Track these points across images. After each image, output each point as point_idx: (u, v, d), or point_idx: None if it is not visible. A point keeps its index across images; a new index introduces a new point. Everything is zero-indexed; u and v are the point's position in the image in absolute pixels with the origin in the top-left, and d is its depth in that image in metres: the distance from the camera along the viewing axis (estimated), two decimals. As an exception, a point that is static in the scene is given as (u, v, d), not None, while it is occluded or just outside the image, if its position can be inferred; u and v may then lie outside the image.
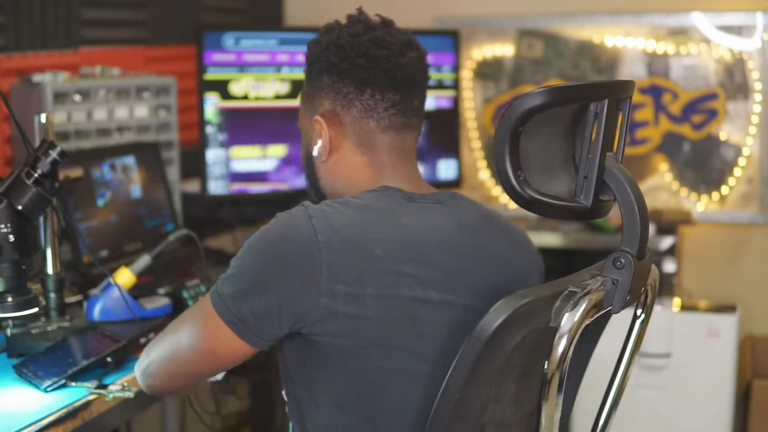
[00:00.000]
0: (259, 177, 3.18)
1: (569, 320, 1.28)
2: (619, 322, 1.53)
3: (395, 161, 1.61)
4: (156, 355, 1.61)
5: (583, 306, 1.28)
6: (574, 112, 1.33)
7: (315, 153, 1.63)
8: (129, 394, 1.81)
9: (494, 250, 1.58)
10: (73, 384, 1.82)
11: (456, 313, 1.49)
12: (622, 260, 1.33)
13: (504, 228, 1.66)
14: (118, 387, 1.82)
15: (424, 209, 1.55)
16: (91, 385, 1.81)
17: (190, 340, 1.53)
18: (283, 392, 1.62)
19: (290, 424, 1.62)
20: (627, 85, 1.38)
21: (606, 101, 1.31)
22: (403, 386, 1.47)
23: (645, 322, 1.53)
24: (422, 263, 1.48)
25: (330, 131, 1.61)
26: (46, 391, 1.79)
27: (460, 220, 1.57)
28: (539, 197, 1.29)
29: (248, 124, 3.19)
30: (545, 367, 1.28)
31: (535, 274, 1.66)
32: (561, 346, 1.27)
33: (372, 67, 1.57)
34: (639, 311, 1.52)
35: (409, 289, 1.46)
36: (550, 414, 1.30)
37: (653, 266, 1.47)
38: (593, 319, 1.31)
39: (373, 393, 1.48)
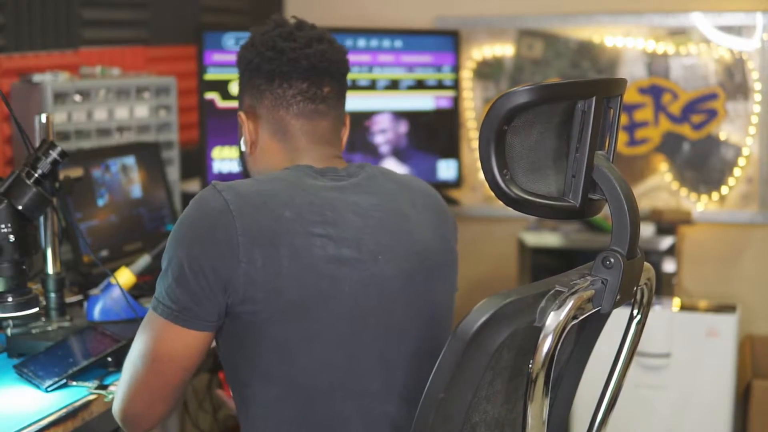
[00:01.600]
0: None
1: (554, 319, 1.26)
2: (621, 323, 1.53)
3: (309, 145, 1.67)
4: (123, 392, 1.60)
5: (569, 305, 1.27)
6: (564, 110, 1.31)
7: (243, 148, 1.72)
8: None
9: (401, 210, 1.63)
10: (74, 384, 1.82)
11: (371, 270, 1.54)
12: (612, 260, 1.32)
13: (417, 191, 1.70)
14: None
15: (333, 180, 1.61)
16: (91, 385, 1.81)
17: (145, 357, 1.55)
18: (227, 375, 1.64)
19: (237, 412, 1.64)
20: (617, 83, 1.36)
21: (593, 99, 1.30)
22: (326, 347, 1.51)
23: (641, 323, 1.52)
24: (332, 224, 1.53)
25: (250, 125, 1.70)
26: (46, 391, 1.79)
27: (370, 186, 1.63)
28: (526, 196, 1.28)
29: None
30: (530, 367, 1.27)
31: (453, 237, 1.72)
32: (546, 346, 1.26)
33: (278, 58, 1.65)
34: (635, 311, 1.51)
35: (321, 249, 1.51)
36: (536, 414, 1.28)
37: (649, 266, 1.46)
38: (580, 319, 1.30)
39: (295, 357, 1.51)
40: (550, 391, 1.28)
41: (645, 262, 1.43)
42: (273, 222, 1.50)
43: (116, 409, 1.63)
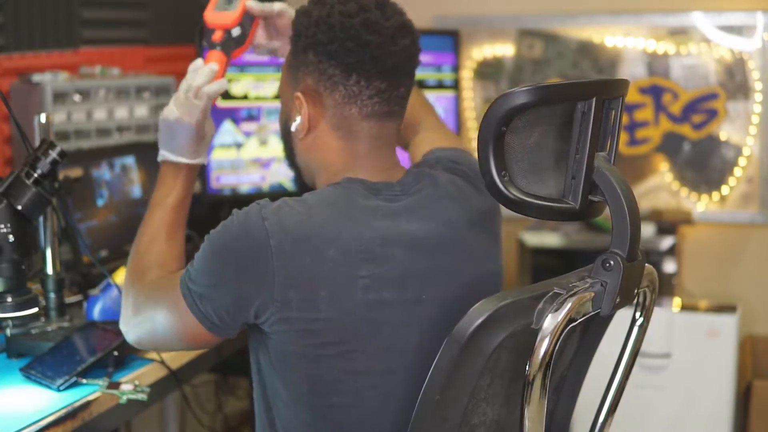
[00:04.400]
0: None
1: (552, 322, 1.25)
2: (624, 325, 1.53)
3: (371, 149, 1.57)
4: (138, 329, 1.63)
5: (566, 308, 1.26)
6: (564, 111, 1.30)
7: (293, 129, 1.59)
8: (142, 396, 1.81)
9: (457, 236, 1.55)
10: (84, 381, 1.82)
11: (413, 311, 1.48)
12: (611, 262, 1.30)
13: (476, 208, 1.61)
14: (130, 387, 1.82)
15: (387, 201, 1.52)
16: (103, 383, 1.81)
17: (167, 328, 1.55)
18: (252, 374, 1.61)
19: (256, 409, 1.61)
20: (618, 84, 1.34)
21: (593, 100, 1.28)
22: (359, 385, 1.47)
23: (644, 326, 1.51)
24: (377, 262, 1.45)
25: (310, 110, 1.56)
26: (59, 390, 1.79)
27: (426, 208, 1.54)
28: (525, 198, 1.26)
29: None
30: (527, 369, 1.26)
31: (501, 252, 1.66)
32: (543, 348, 1.25)
33: (361, 53, 1.50)
34: (638, 314, 1.50)
35: (363, 292, 1.44)
36: (533, 417, 1.27)
37: (652, 269, 1.44)
38: (579, 321, 1.29)
39: (329, 392, 1.47)
40: (548, 393, 1.27)
41: (648, 265, 1.42)
42: (314, 263, 1.42)
43: (129, 336, 1.66)
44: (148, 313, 1.59)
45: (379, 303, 1.45)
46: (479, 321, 1.25)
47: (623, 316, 1.48)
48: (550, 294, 1.29)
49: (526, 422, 1.27)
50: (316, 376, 1.46)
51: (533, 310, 1.29)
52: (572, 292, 1.28)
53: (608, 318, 1.45)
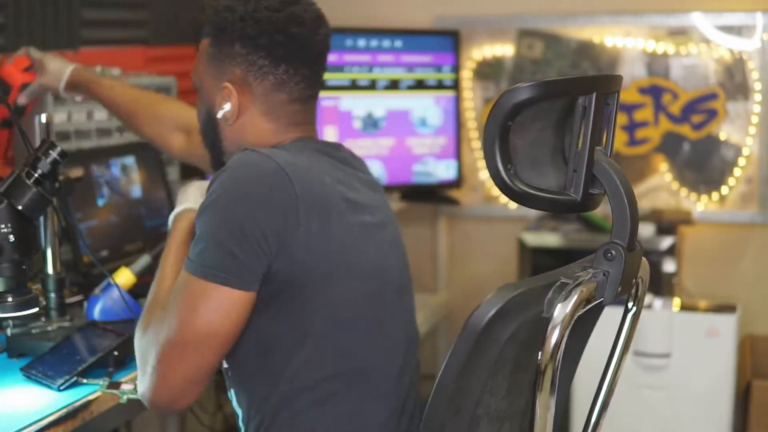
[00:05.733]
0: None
1: (561, 311, 1.29)
2: (615, 320, 1.55)
3: (297, 125, 1.68)
4: (154, 375, 1.55)
5: (575, 297, 1.30)
6: (562, 107, 1.35)
7: (219, 116, 1.69)
8: None
9: (375, 180, 1.79)
10: (85, 381, 1.82)
11: (382, 234, 1.66)
12: (613, 252, 1.35)
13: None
14: (131, 387, 1.81)
15: (334, 151, 1.70)
16: (103, 383, 1.81)
17: (182, 329, 1.51)
18: (227, 365, 1.63)
19: (234, 396, 1.65)
20: (615, 80, 1.40)
21: (594, 95, 1.33)
22: (362, 302, 1.59)
23: (636, 315, 1.55)
24: (355, 190, 1.63)
25: (240, 98, 1.66)
26: (59, 390, 1.79)
27: (352, 160, 1.74)
28: (529, 191, 1.31)
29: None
30: (539, 358, 1.29)
31: None
32: (554, 337, 1.28)
33: (289, 45, 1.62)
34: (630, 304, 1.54)
35: (353, 214, 1.59)
36: (545, 404, 1.31)
37: (644, 260, 1.48)
38: (585, 310, 1.33)
39: (337, 314, 1.56)
40: (557, 382, 1.30)
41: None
42: (321, 187, 1.55)
43: (146, 394, 1.57)
44: (150, 342, 1.57)
45: (363, 224, 1.62)
46: (494, 310, 1.28)
47: (617, 311, 1.51)
48: (558, 284, 1.32)
49: (538, 410, 1.31)
50: (327, 301, 1.55)
51: (541, 300, 1.32)
52: (578, 281, 1.32)
53: (599, 310, 1.48)
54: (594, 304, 1.35)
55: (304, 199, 1.51)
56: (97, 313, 2.14)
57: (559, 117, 1.36)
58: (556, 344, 1.28)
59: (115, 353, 1.89)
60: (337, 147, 1.73)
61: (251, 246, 1.48)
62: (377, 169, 3.55)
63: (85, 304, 2.18)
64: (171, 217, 1.79)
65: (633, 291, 1.52)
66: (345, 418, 1.60)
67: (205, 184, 1.70)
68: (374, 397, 1.62)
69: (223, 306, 1.50)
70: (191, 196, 1.77)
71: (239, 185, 1.51)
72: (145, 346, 1.59)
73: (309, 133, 1.70)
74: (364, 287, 1.60)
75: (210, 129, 1.72)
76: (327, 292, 1.55)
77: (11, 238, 1.81)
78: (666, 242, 3.42)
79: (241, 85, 1.65)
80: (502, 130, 1.28)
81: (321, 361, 1.57)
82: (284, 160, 1.53)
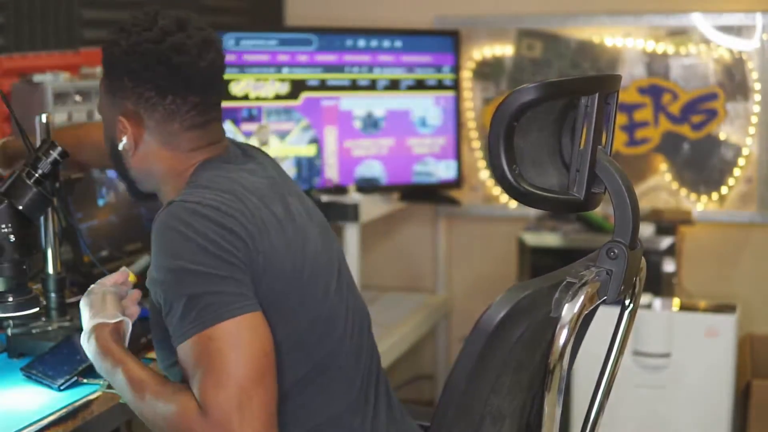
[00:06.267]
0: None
1: (569, 311, 1.30)
2: (610, 318, 1.56)
3: (200, 149, 1.66)
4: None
5: (582, 296, 1.31)
6: (559, 108, 1.36)
7: (121, 148, 1.67)
8: None
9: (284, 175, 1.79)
10: (85, 381, 1.82)
11: (312, 223, 1.68)
12: (616, 251, 1.36)
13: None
14: None
15: (239, 164, 1.67)
16: (103, 382, 1.81)
17: (237, 376, 1.43)
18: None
19: None
20: (615, 79, 1.42)
21: (597, 95, 1.34)
22: (317, 296, 1.62)
23: (633, 312, 1.56)
24: (277, 196, 1.63)
25: (134, 131, 1.64)
26: (59, 390, 1.79)
27: (257, 161, 1.72)
28: (534, 191, 1.32)
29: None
30: (548, 358, 1.31)
31: None
32: (563, 337, 1.30)
33: (173, 75, 1.60)
34: (627, 301, 1.55)
35: (287, 223, 1.60)
36: (553, 402, 1.32)
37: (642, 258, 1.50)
38: (590, 309, 1.34)
39: (295, 328, 1.58)
40: (564, 381, 1.33)
41: None
42: (256, 211, 1.55)
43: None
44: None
45: (297, 230, 1.62)
46: (505, 311, 1.29)
47: (613, 312, 1.52)
48: (564, 283, 1.33)
49: (546, 408, 1.32)
50: (291, 315, 1.57)
51: (548, 300, 1.34)
52: (583, 281, 1.33)
53: (596, 308, 1.49)
54: (599, 303, 1.37)
55: (249, 229, 1.52)
56: (97, 312, 2.14)
57: (556, 118, 1.37)
58: (565, 343, 1.29)
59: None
60: (244, 153, 1.72)
61: (237, 268, 1.49)
62: (377, 169, 3.55)
63: (86, 304, 2.18)
64: (86, 335, 1.65)
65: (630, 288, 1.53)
66: (317, 406, 1.62)
67: (109, 293, 1.70)
68: (340, 381, 1.64)
69: (251, 330, 1.47)
70: (102, 309, 1.68)
71: (192, 235, 1.49)
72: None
73: (214, 152, 1.66)
74: (315, 289, 1.61)
75: (115, 160, 1.72)
76: (287, 306, 1.56)
77: (12, 238, 1.82)
78: (666, 242, 3.42)
79: (134, 117, 1.64)
80: (508, 130, 1.29)
81: (290, 369, 1.57)
82: (213, 197, 1.53)
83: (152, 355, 1.97)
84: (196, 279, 1.47)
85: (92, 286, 1.73)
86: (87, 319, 1.66)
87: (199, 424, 1.43)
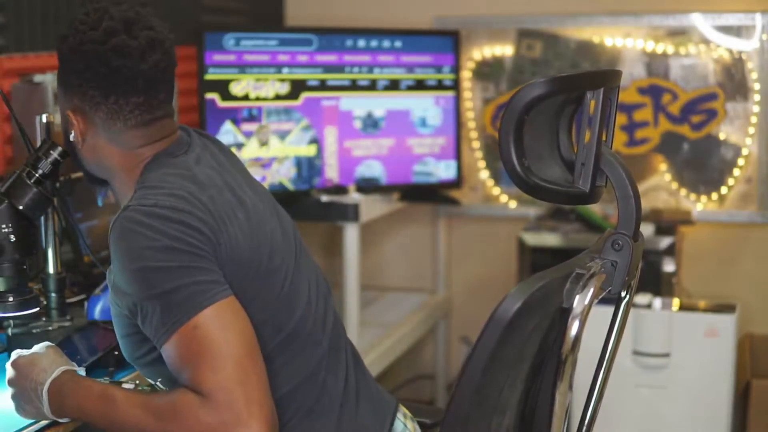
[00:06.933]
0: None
1: (581, 301, 1.33)
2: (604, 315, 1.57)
3: (148, 143, 1.67)
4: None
5: (592, 287, 1.34)
6: (559, 103, 1.39)
7: (71, 139, 1.70)
8: None
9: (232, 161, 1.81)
10: (86, 380, 1.83)
11: (264, 205, 1.71)
12: (620, 242, 1.41)
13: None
14: (131, 386, 1.81)
15: (185, 155, 1.68)
16: (105, 381, 1.81)
17: (232, 354, 1.47)
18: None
19: None
20: (617, 74, 1.46)
21: (602, 90, 1.38)
22: (275, 288, 1.65)
23: (629, 303, 1.58)
24: (229, 182, 1.66)
25: (80, 125, 1.67)
26: (60, 389, 1.79)
27: (201, 149, 1.73)
28: (542, 184, 1.36)
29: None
30: (560, 348, 1.33)
31: None
32: (575, 327, 1.32)
33: (113, 77, 1.61)
34: (623, 292, 1.57)
35: (241, 209, 1.63)
36: (564, 393, 1.34)
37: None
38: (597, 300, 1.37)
39: (263, 307, 1.62)
40: (569, 374, 1.35)
41: None
42: (212, 202, 1.57)
43: None
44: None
45: (250, 214, 1.64)
46: (521, 302, 1.29)
47: (607, 311, 1.54)
48: (574, 275, 1.36)
49: (558, 398, 1.34)
50: (257, 295, 1.60)
51: (559, 291, 1.36)
52: (591, 272, 1.36)
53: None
54: (603, 294, 1.40)
55: (208, 221, 1.54)
56: (97, 312, 2.15)
57: (555, 112, 1.40)
58: (577, 334, 1.32)
59: (116, 353, 1.89)
60: (189, 141, 1.72)
61: (205, 259, 1.52)
62: (377, 169, 3.56)
63: (86, 304, 2.19)
64: (47, 387, 1.63)
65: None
66: (293, 369, 1.66)
67: (51, 347, 1.70)
68: (310, 344, 1.69)
69: (232, 312, 1.51)
70: (57, 359, 1.69)
71: (155, 236, 1.50)
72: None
73: (161, 146, 1.67)
74: (276, 267, 1.64)
75: (70, 150, 1.75)
76: (253, 288, 1.59)
77: (12, 237, 1.82)
78: (665, 242, 3.42)
79: (81, 113, 1.67)
80: (518, 124, 1.32)
81: (263, 341, 1.58)
82: (168, 199, 1.54)
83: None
84: (167, 275, 1.49)
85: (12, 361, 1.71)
86: (42, 380, 1.64)
87: (205, 412, 1.43)
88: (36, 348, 1.71)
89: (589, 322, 1.57)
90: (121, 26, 1.62)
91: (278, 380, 1.62)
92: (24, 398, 1.66)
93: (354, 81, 3.50)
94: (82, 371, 1.69)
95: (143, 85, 1.63)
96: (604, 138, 1.41)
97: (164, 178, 1.60)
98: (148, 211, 1.52)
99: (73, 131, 1.69)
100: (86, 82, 1.63)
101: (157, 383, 1.66)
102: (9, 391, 1.69)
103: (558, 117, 1.42)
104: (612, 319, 1.58)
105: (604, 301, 1.48)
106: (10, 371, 1.69)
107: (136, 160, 1.66)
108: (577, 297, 1.33)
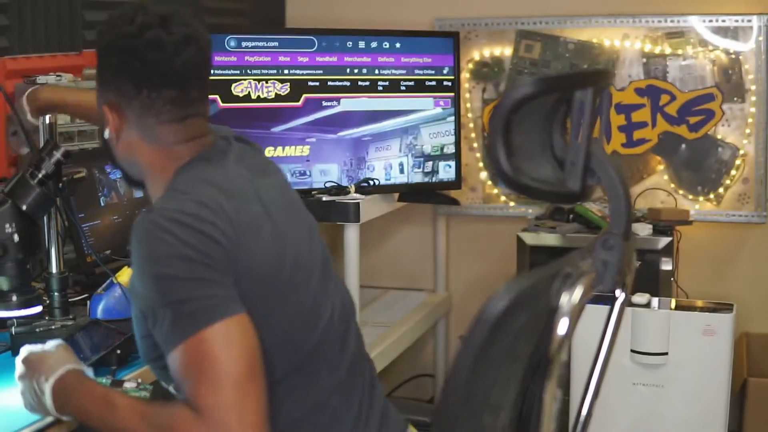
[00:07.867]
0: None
1: (568, 300, 1.32)
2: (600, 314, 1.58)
3: (181, 143, 1.67)
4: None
5: (581, 286, 1.33)
6: (551, 103, 1.40)
7: (106, 136, 1.71)
8: (145, 394, 1.81)
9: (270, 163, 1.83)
10: (89, 379, 1.84)
11: (300, 215, 1.74)
12: (611, 241, 1.40)
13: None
14: (133, 385, 1.83)
15: (221, 159, 1.68)
16: (106, 380, 1.82)
17: (230, 374, 1.47)
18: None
19: None
20: (607, 74, 1.47)
21: (591, 89, 1.38)
22: (298, 304, 1.64)
23: (624, 302, 1.58)
24: (252, 201, 1.64)
25: (115, 121, 1.67)
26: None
27: (238, 155, 1.73)
28: (532, 183, 1.35)
29: (247, 125, 3.22)
30: (547, 348, 1.33)
31: None
32: (561, 327, 1.31)
33: (147, 70, 1.62)
34: (618, 291, 1.56)
35: (273, 219, 1.63)
36: (552, 392, 1.34)
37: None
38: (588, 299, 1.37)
39: (283, 320, 1.61)
40: (556, 372, 1.35)
41: None
42: (235, 214, 1.57)
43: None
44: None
45: (278, 227, 1.64)
46: (508, 301, 1.30)
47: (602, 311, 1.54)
48: (563, 274, 1.35)
49: (546, 397, 1.35)
50: (276, 310, 1.60)
51: (546, 290, 1.35)
52: (580, 270, 1.35)
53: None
54: (594, 293, 1.39)
55: (229, 234, 1.54)
56: (100, 311, 2.16)
57: (547, 114, 1.40)
58: (566, 333, 1.31)
59: (118, 351, 1.91)
60: (227, 147, 1.72)
61: (221, 272, 1.52)
62: (377, 170, 3.57)
63: (89, 303, 2.20)
64: (51, 383, 1.65)
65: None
66: (304, 395, 1.65)
67: (62, 345, 1.72)
68: (325, 369, 1.68)
69: (240, 330, 1.50)
70: (66, 357, 1.71)
71: (174, 243, 1.51)
72: None
73: (195, 148, 1.68)
74: (296, 284, 1.63)
75: (107, 146, 1.75)
76: (270, 304, 1.58)
77: (15, 237, 1.84)
78: (663, 242, 3.44)
79: (115, 109, 1.67)
80: (506, 124, 1.31)
81: (277, 360, 1.58)
82: (193, 204, 1.55)
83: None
84: (181, 285, 1.50)
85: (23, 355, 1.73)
86: (46, 378, 1.66)
87: (199, 430, 1.44)
88: (47, 345, 1.73)
89: (588, 321, 1.59)
90: (156, 21, 1.62)
91: (287, 404, 1.62)
92: (31, 394, 1.68)
93: (354, 82, 3.51)
94: (90, 371, 1.71)
95: (176, 81, 1.63)
96: (599, 137, 1.43)
97: (195, 183, 1.60)
98: (172, 217, 1.53)
99: (108, 127, 1.69)
100: (120, 76, 1.64)
101: (170, 388, 1.66)
102: (18, 386, 1.71)
103: (551, 117, 1.42)
104: (607, 318, 1.59)
105: (603, 301, 1.49)
106: (20, 367, 1.71)
107: (167, 158, 1.66)
108: (565, 296, 1.32)
